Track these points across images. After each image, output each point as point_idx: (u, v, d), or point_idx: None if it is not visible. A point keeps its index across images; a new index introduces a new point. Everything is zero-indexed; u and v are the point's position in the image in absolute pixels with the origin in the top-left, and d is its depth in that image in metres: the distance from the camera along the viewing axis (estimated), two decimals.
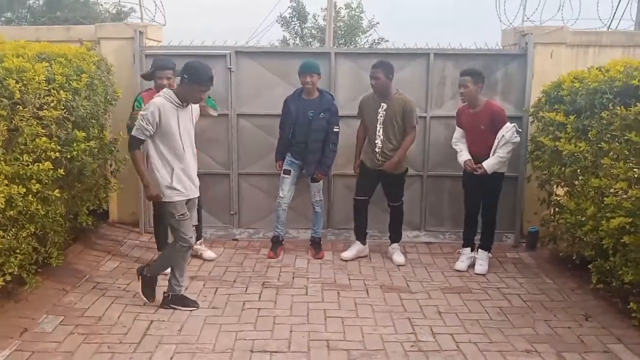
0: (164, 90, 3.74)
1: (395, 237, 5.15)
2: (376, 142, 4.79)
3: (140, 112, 3.65)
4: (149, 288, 3.98)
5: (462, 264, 4.89)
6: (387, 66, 4.73)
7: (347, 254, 5.04)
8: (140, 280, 3.98)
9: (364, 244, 5.12)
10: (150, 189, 3.73)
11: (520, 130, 4.73)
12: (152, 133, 3.63)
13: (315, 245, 5.21)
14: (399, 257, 5.04)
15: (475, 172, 4.63)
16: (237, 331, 3.63)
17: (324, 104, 4.89)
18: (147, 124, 3.59)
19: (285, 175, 5.03)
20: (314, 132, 4.85)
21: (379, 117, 4.75)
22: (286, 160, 5.04)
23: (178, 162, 3.74)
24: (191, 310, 3.90)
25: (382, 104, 4.75)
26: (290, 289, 4.38)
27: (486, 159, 4.60)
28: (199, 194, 4.00)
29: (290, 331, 3.63)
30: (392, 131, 4.76)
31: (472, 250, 4.96)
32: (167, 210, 3.79)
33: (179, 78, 3.71)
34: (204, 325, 3.71)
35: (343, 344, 3.46)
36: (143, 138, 3.66)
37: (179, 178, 3.74)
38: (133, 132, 3.68)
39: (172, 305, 3.92)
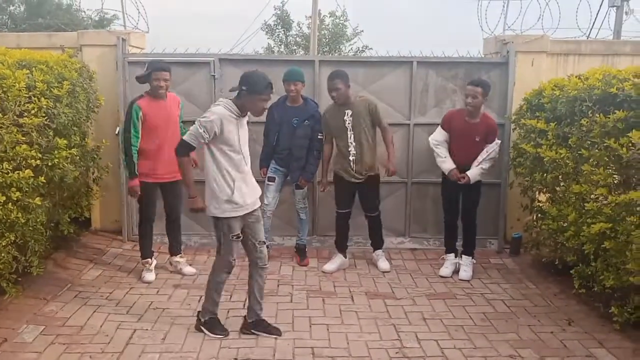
0: (223, 100, 3.54)
1: (378, 244, 5.16)
2: (349, 149, 4.78)
3: (200, 119, 3.41)
4: (216, 328, 3.70)
5: (446, 270, 4.92)
6: (343, 75, 4.74)
7: (330, 267, 4.99)
8: (205, 329, 3.69)
9: (345, 256, 5.11)
10: (197, 201, 3.55)
11: (501, 144, 4.82)
12: (207, 142, 3.42)
13: (300, 253, 5.21)
14: (383, 264, 5.04)
15: (459, 182, 4.67)
16: (221, 339, 3.60)
17: (308, 111, 4.91)
18: (204, 132, 3.37)
19: (270, 183, 5.03)
20: (298, 139, 4.86)
21: (347, 125, 4.75)
22: (270, 168, 5.04)
23: (238, 173, 3.52)
24: (219, 337, 3.64)
25: (346, 110, 4.76)
26: (275, 296, 4.36)
27: (469, 167, 4.65)
28: (260, 204, 3.77)
29: (275, 339, 3.61)
30: (364, 134, 4.78)
31: (456, 256, 4.99)
32: (220, 226, 3.54)
33: (237, 91, 3.51)
34: (187, 334, 3.67)
35: (328, 351, 3.46)
36: (195, 145, 3.45)
37: (240, 190, 3.50)
38: (186, 138, 3.46)
39: (202, 328, 3.70)
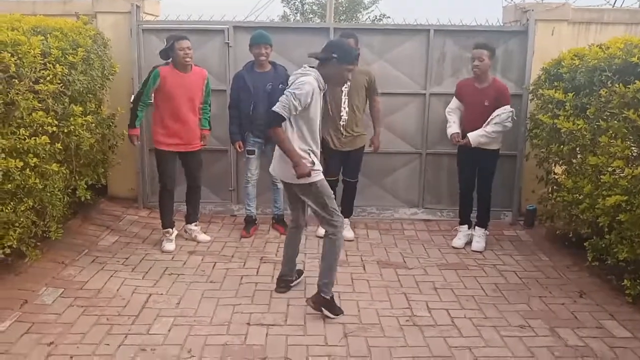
0: (312, 70, 3.42)
1: (347, 212, 5.14)
2: (341, 114, 4.72)
3: (293, 91, 3.30)
4: (335, 307, 3.55)
5: (459, 241, 4.92)
6: (355, 36, 4.68)
7: (322, 232, 5.01)
8: (326, 309, 3.52)
9: None
10: (302, 167, 3.35)
11: (515, 118, 4.72)
12: (297, 113, 3.36)
13: (281, 222, 5.18)
14: (348, 233, 5.00)
15: (460, 143, 4.65)
16: (234, 305, 3.67)
17: (279, 75, 4.81)
18: (298, 104, 3.29)
19: (250, 156, 4.96)
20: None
21: (343, 88, 4.65)
22: (248, 140, 4.92)
23: (315, 145, 3.50)
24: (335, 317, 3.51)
25: None
26: None
27: None
28: None
29: (287, 305, 3.67)
30: (357, 102, 4.74)
31: (469, 228, 4.99)
32: (316, 192, 3.46)
33: (324, 59, 3.37)
34: (201, 299, 3.75)
35: (339, 318, 3.50)
36: (286, 117, 3.33)
37: (317, 160, 3.51)
38: (276, 109, 3.31)
39: (324, 309, 3.52)
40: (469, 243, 4.91)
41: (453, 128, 4.78)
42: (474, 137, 4.58)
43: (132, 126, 4.55)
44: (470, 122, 4.69)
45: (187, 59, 4.41)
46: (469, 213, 5.01)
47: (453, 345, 3.23)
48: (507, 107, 4.57)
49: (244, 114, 4.87)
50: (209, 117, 4.80)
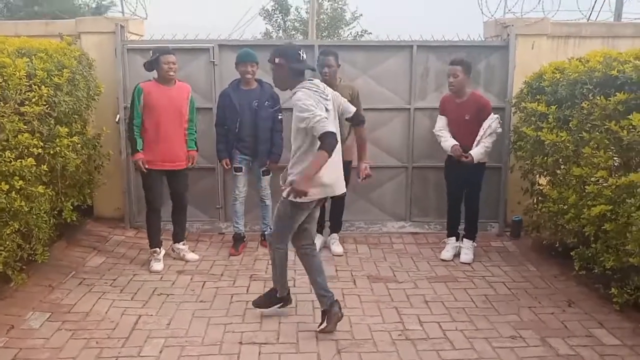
0: (303, 84, 3.38)
1: (337, 227, 5.18)
2: None
3: (309, 110, 3.22)
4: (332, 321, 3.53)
5: (447, 253, 4.95)
6: (335, 54, 4.74)
7: (339, 250, 5.08)
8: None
9: (322, 234, 5.13)
10: (307, 185, 3.25)
11: (501, 122, 4.80)
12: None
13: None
14: (337, 248, 5.05)
15: (463, 160, 4.65)
16: (225, 324, 3.64)
17: (265, 92, 4.83)
18: (323, 111, 3.31)
19: (238, 173, 4.95)
20: (262, 122, 4.79)
21: None
22: (236, 158, 4.92)
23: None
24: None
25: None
26: None
27: (465, 149, 4.65)
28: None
29: (279, 322, 3.65)
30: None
31: (457, 240, 5.03)
32: (296, 210, 3.45)
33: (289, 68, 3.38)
34: (192, 319, 3.71)
35: (331, 334, 3.49)
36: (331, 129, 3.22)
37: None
38: (325, 129, 3.17)
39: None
40: (457, 255, 4.94)
41: (450, 141, 4.77)
42: (476, 154, 4.61)
43: (135, 151, 4.48)
44: (455, 135, 4.75)
45: (171, 73, 4.42)
46: (457, 225, 5.06)
47: (446, 358, 3.24)
48: (493, 116, 4.65)
49: (230, 131, 4.87)
50: (195, 137, 4.77)
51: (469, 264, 4.79)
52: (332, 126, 3.27)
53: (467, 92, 4.72)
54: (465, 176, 4.81)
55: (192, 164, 4.78)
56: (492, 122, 4.62)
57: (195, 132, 4.79)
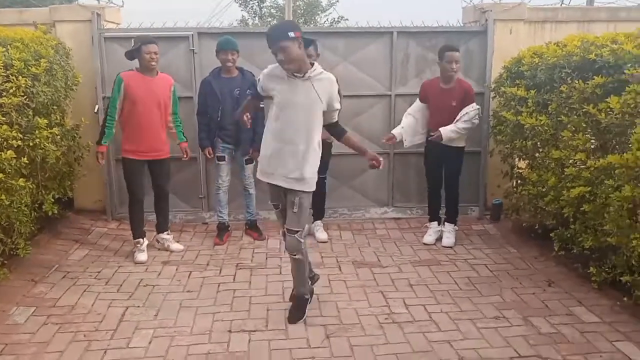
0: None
1: (320, 214, 5.22)
2: None
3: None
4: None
5: (429, 237, 5.02)
6: (315, 42, 4.63)
7: (323, 236, 5.11)
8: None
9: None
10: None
11: (481, 115, 4.84)
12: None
13: (254, 228, 5.19)
14: (322, 235, 5.09)
15: (432, 136, 4.70)
16: (213, 313, 3.65)
17: (247, 80, 4.79)
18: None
19: (221, 162, 4.94)
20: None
21: None
22: (218, 147, 4.90)
23: None
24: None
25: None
26: (265, 269, 4.42)
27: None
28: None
29: (267, 310, 3.68)
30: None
31: (438, 224, 5.10)
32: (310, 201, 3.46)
33: (298, 43, 3.18)
34: (180, 309, 3.71)
35: (320, 320, 3.53)
36: None
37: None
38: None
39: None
40: (439, 239, 5.02)
41: (396, 130, 4.92)
42: (445, 132, 4.64)
43: (99, 142, 4.43)
44: (438, 122, 4.76)
45: (153, 63, 4.36)
46: (437, 210, 5.13)
47: (432, 340, 3.30)
48: (474, 105, 4.70)
49: (212, 120, 4.84)
50: (181, 129, 4.73)
51: (451, 247, 4.87)
52: None
53: (455, 78, 4.76)
54: (445, 161, 4.87)
55: (186, 156, 4.76)
56: (470, 110, 4.66)
57: (181, 123, 4.75)
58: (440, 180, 5.01)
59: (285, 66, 3.22)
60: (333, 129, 3.54)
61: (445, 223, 5.04)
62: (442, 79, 4.77)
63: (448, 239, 4.95)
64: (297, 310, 3.56)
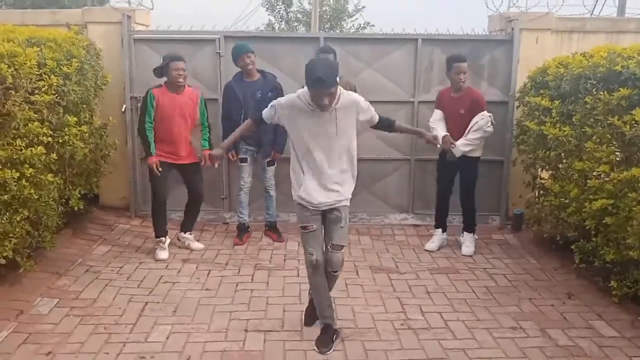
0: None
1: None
2: None
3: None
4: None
5: (432, 244, 5.02)
6: (334, 51, 4.83)
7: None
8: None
9: None
10: None
11: (494, 122, 4.76)
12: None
13: (274, 230, 5.23)
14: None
15: (449, 147, 4.64)
16: (231, 311, 3.70)
17: (269, 83, 4.87)
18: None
19: (243, 164, 5.01)
20: None
21: None
22: (241, 149, 4.97)
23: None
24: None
25: None
26: (282, 270, 4.46)
27: None
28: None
29: (284, 311, 3.72)
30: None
31: (443, 232, 5.08)
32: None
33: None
34: (198, 307, 3.78)
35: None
36: None
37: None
38: None
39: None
40: (443, 247, 5.02)
41: (441, 133, 4.80)
42: (459, 145, 4.64)
43: (150, 154, 4.52)
44: (450, 128, 4.78)
45: (180, 80, 4.47)
46: (444, 217, 5.09)
47: (447, 348, 3.30)
48: (485, 113, 4.67)
49: (235, 123, 4.89)
50: (207, 137, 4.78)
51: (470, 256, 4.85)
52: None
53: (465, 87, 4.75)
54: (459, 170, 4.85)
55: (205, 163, 4.81)
56: (480, 119, 4.64)
57: (209, 132, 4.81)
58: (450, 188, 4.97)
59: (324, 107, 3.02)
60: (380, 126, 3.38)
61: (464, 232, 5.02)
62: (452, 88, 4.79)
63: (468, 247, 4.93)
64: (324, 339, 3.32)
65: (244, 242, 5.07)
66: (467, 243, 4.96)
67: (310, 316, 3.46)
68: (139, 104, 4.80)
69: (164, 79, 4.52)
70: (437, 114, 4.93)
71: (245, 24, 21.67)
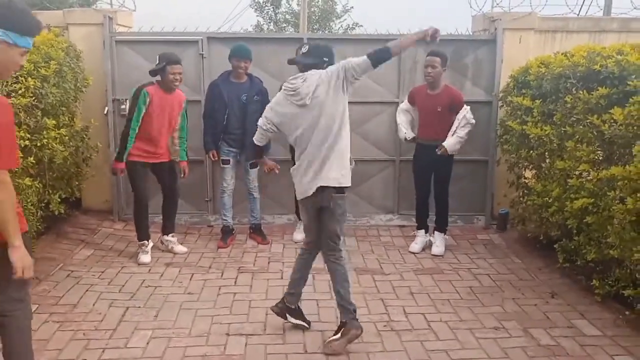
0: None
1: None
2: None
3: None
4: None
5: (416, 245, 4.99)
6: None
7: (298, 236, 5.07)
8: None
9: None
10: None
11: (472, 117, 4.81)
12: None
13: (259, 232, 5.20)
14: (298, 235, 5.09)
15: (437, 152, 4.67)
16: (212, 315, 3.67)
17: (255, 86, 4.86)
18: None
19: (225, 165, 4.97)
20: (251, 115, 4.68)
21: None
22: (222, 150, 4.93)
23: None
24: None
25: None
26: (266, 273, 4.43)
27: (439, 141, 4.67)
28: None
29: (266, 314, 3.68)
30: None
31: (426, 232, 5.06)
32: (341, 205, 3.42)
33: (313, 64, 3.28)
34: (179, 311, 3.74)
35: (318, 325, 3.53)
36: None
37: None
38: None
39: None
40: (428, 247, 4.99)
41: (409, 132, 4.94)
42: (450, 145, 4.63)
43: (120, 159, 4.42)
44: (424, 126, 4.79)
45: (176, 83, 4.44)
46: (425, 218, 5.07)
47: (430, 349, 3.29)
48: (466, 107, 4.68)
49: (218, 123, 4.87)
50: (185, 147, 4.75)
51: (440, 256, 4.83)
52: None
53: (442, 84, 4.74)
54: (434, 169, 4.84)
55: (183, 176, 4.79)
56: (466, 113, 4.65)
57: (186, 139, 4.77)
58: (429, 189, 4.96)
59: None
60: (376, 62, 3.26)
61: (435, 232, 4.99)
62: (428, 85, 4.78)
63: (438, 247, 4.90)
64: (343, 339, 3.26)
65: (228, 245, 5.04)
66: (438, 243, 4.94)
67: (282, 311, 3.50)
68: (125, 105, 4.71)
69: (157, 77, 4.46)
70: (404, 104, 5.03)
71: (233, 25, 21.63)
